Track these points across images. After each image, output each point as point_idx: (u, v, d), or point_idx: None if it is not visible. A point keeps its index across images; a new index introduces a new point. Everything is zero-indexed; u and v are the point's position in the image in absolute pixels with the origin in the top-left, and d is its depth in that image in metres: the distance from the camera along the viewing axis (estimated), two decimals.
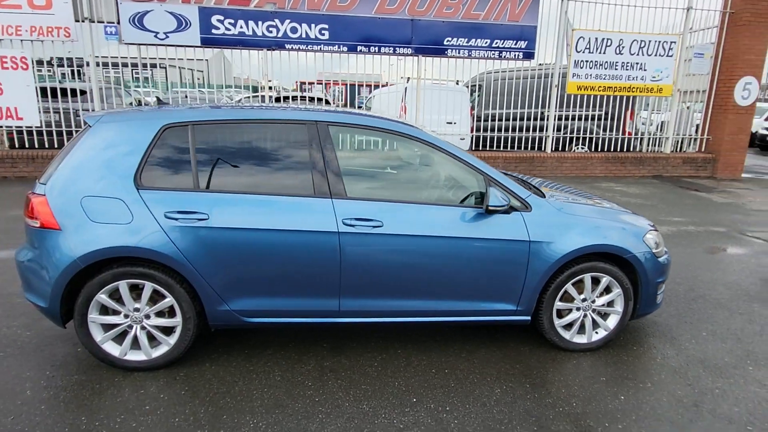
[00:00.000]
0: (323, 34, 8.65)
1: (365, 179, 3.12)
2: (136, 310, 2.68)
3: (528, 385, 2.74)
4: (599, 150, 10.34)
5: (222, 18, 8.29)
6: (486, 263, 2.86)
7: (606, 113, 10.39)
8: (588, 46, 9.45)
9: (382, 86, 11.24)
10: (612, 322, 3.11)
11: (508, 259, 2.87)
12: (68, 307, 2.68)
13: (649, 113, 11.29)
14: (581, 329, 3.10)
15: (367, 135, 3.13)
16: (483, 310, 2.95)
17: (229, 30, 8.40)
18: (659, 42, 9.62)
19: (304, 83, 9.50)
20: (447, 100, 9.59)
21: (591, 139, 10.59)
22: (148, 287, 2.64)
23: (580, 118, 10.37)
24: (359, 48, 8.81)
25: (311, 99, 10.59)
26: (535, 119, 10.06)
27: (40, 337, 3.11)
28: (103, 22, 8.11)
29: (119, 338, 2.73)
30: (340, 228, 2.69)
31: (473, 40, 9.05)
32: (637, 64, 9.69)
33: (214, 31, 8.34)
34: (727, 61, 9.90)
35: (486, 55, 9.20)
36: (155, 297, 2.69)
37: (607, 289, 3.08)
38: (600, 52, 9.52)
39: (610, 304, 3.09)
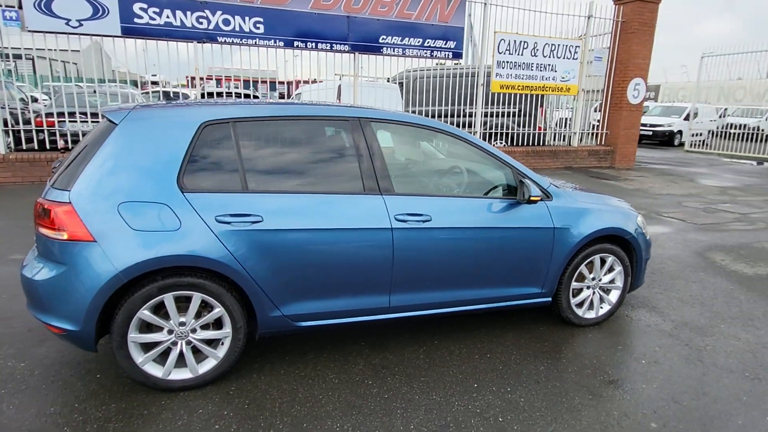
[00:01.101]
0: (258, 28, 8.32)
1: (404, 175, 3.14)
2: (182, 324, 2.47)
3: (564, 360, 2.99)
4: (515, 144, 11.17)
5: (146, 6, 7.61)
6: (520, 250, 3.05)
7: (521, 110, 11.26)
8: (508, 48, 10.17)
9: (304, 83, 11.06)
10: (614, 297, 3.49)
11: (538, 246, 3.09)
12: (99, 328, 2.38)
13: (551, 110, 12.43)
14: (590, 306, 3.43)
15: (406, 131, 3.16)
16: (515, 295, 3.15)
17: (154, 19, 7.73)
18: (566, 46, 10.65)
19: (194, 78, 8.89)
20: (381, 98, 9.74)
21: (509, 134, 11.41)
22: (197, 298, 2.44)
23: (500, 115, 11.11)
24: (296, 44, 8.61)
25: (238, 95, 10.12)
26: (458, 116, 10.59)
27: (41, 366, 2.71)
28: (0, 6, 7.02)
29: (161, 357, 2.49)
30: (393, 224, 2.71)
31: (407, 39, 9.29)
32: (549, 65, 10.64)
33: (136, 20, 7.62)
34: (620, 64, 11.25)
35: (419, 54, 9.50)
36: (202, 308, 2.50)
37: (610, 268, 3.44)
38: (518, 54, 10.29)
39: (612, 280, 3.46)
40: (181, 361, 2.51)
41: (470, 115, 10.49)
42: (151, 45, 7.93)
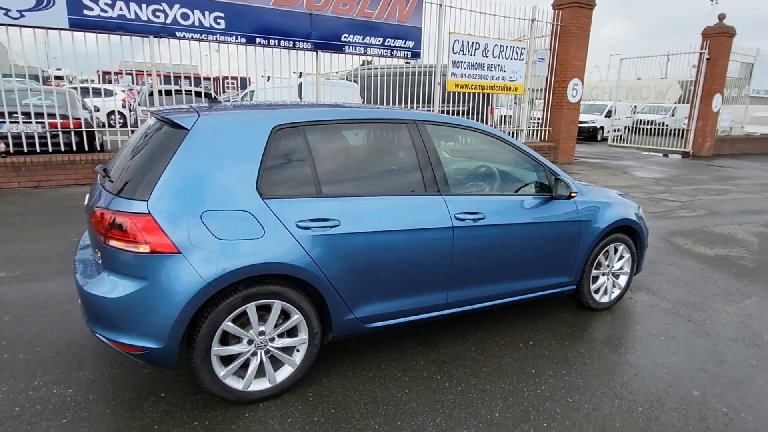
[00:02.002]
0: (219, 23, 8.00)
1: (453, 175, 3.24)
2: (261, 333, 2.42)
3: (597, 341, 3.26)
4: None
5: None
6: (555, 243, 3.28)
7: (472, 109, 11.71)
8: (462, 48, 10.53)
9: (233, 80, 10.74)
10: (623, 281, 3.83)
11: (569, 238, 3.33)
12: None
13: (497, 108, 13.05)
14: (605, 291, 3.74)
15: (457, 133, 3.24)
16: (549, 285, 3.38)
17: (106, 12, 7.19)
18: (514, 47, 11.22)
19: (109, 73, 8.29)
20: (341, 96, 9.73)
21: None
22: (277, 306, 2.40)
23: (454, 114, 11.49)
24: (258, 40, 8.38)
25: (198, 94, 9.66)
26: None
27: (94, 391, 2.53)
28: None
29: (239, 369, 2.42)
30: (454, 223, 2.81)
31: (368, 37, 9.34)
32: (498, 65, 11.16)
33: (86, 12, 7.05)
34: (560, 65, 12.03)
35: (380, 53, 9.59)
36: (281, 316, 2.46)
37: (620, 255, 3.77)
38: (471, 54, 10.69)
39: (621, 267, 3.80)
40: (257, 372, 2.46)
41: None
42: (53, 36, 7.11)
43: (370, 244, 2.58)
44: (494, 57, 11.02)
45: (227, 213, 2.27)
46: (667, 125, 19.40)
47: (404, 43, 9.79)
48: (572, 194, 3.15)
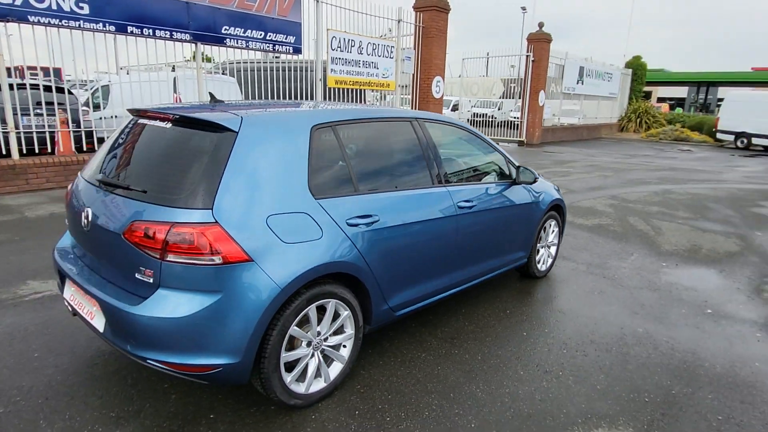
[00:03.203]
0: (81, 8, 6.97)
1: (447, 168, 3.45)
2: (317, 334, 2.42)
3: (558, 300, 3.88)
4: None
5: None
6: (521, 221, 3.80)
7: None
8: (339, 45, 10.76)
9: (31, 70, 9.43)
10: (553, 251, 4.55)
11: (528, 217, 3.89)
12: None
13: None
14: (544, 261, 4.41)
15: (443, 130, 3.45)
16: (514, 259, 3.89)
17: None
18: (385, 46, 11.82)
19: None
20: (220, 91, 9.20)
21: None
22: (332, 305, 2.43)
23: None
24: (130, 29, 7.51)
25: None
26: None
27: (141, 427, 2.25)
28: None
29: (299, 371, 2.40)
30: (457, 211, 3.11)
31: (249, 30, 9.00)
32: (372, 63, 11.65)
33: None
34: (424, 64, 13.02)
35: (262, 47, 9.31)
36: (333, 314, 2.49)
37: (552, 229, 4.47)
38: (348, 51, 10.99)
39: (553, 240, 4.51)
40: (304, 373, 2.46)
41: None
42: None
43: (400, 235, 2.74)
44: (368, 54, 11.47)
45: (289, 216, 2.24)
46: (495, 117, 22.21)
47: (285, 38, 9.66)
48: (536, 180, 3.69)
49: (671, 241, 5.74)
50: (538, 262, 4.31)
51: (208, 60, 11.21)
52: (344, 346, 2.59)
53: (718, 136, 20.16)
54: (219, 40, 8.64)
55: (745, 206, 7.85)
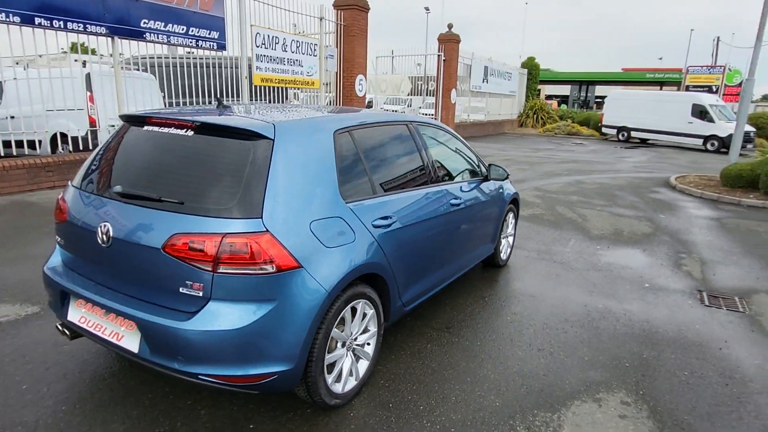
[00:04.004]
0: None
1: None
2: (350, 334, 2.50)
3: (520, 285, 4.25)
4: None
5: None
6: (492, 215, 4.10)
7: (267, 102, 11.80)
8: (264, 42, 10.51)
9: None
10: (511, 240, 4.95)
11: (497, 211, 4.20)
12: None
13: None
14: (505, 250, 4.78)
15: (430, 132, 3.57)
16: (486, 250, 4.19)
17: None
18: (308, 43, 11.73)
19: None
20: (138, 89, 8.59)
21: None
22: (362, 305, 2.52)
23: None
24: (38, 20, 6.75)
25: None
26: None
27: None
28: None
29: (337, 372, 2.45)
30: (451, 208, 3.32)
31: (171, 25, 8.49)
32: (297, 60, 11.52)
33: None
34: (347, 62, 13.11)
35: (185, 43, 8.82)
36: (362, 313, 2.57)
37: (510, 221, 4.86)
38: (272, 48, 10.76)
39: (512, 230, 4.89)
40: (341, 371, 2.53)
41: None
42: None
43: (411, 234, 2.88)
44: (292, 52, 11.32)
45: (328, 221, 2.28)
46: (404, 112, 22.96)
47: (209, 34, 9.23)
48: (507, 176, 4.01)
49: (597, 226, 6.47)
50: (501, 252, 4.67)
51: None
52: (368, 344, 2.69)
53: (603, 130, 22.56)
54: (138, 35, 8.05)
55: (644, 193, 9.00)
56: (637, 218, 6.99)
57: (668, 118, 20.00)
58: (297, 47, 11.39)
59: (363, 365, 2.65)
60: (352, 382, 2.55)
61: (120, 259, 2.16)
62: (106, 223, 2.17)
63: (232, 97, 10.26)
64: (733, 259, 5.28)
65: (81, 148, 7.91)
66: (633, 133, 21.32)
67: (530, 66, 28.09)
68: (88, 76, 8.17)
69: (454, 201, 3.37)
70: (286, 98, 12.17)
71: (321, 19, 12.17)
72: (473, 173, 3.97)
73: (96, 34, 7.49)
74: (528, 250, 5.31)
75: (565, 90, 53.99)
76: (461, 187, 3.60)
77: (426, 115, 19.93)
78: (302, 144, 2.31)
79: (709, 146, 18.90)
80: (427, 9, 37.42)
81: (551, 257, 5.12)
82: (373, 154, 2.80)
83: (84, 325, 2.27)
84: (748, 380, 2.94)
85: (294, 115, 2.56)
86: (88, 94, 8.17)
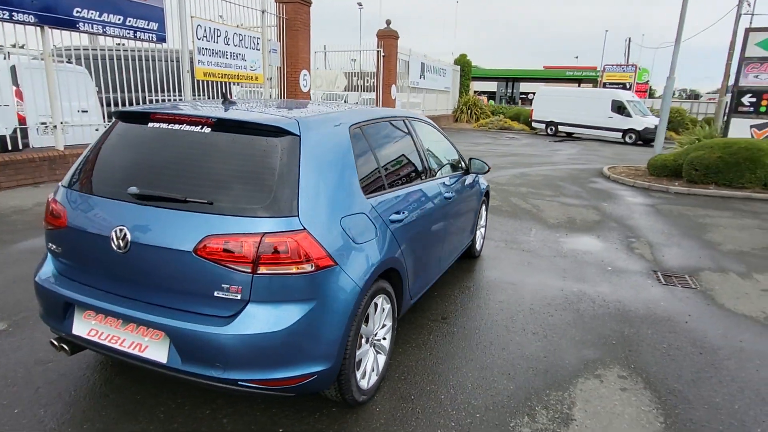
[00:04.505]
0: None
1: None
2: (372, 329, 2.50)
3: (498, 273, 4.43)
4: None
5: None
6: (474, 207, 4.23)
7: (208, 98, 11.33)
8: (205, 35, 10.06)
9: None
10: (483, 231, 5.13)
11: (475, 201, 4.35)
12: None
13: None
14: (479, 242, 4.95)
15: (420, 126, 3.58)
16: (467, 242, 4.32)
17: None
18: (251, 37, 11.38)
19: None
20: (69, 84, 7.92)
21: None
22: (381, 300, 2.53)
23: None
24: None
25: None
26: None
27: None
28: None
29: (364, 368, 2.45)
30: (443, 201, 3.40)
31: (106, 14, 7.91)
32: (240, 54, 11.13)
33: None
34: (290, 57, 12.84)
35: (122, 34, 8.25)
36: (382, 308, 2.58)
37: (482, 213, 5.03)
38: (215, 42, 10.33)
39: (484, 222, 5.07)
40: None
41: None
42: None
43: (418, 227, 2.93)
44: (235, 45, 10.93)
45: (355, 217, 2.27)
46: None
47: (147, 25, 8.70)
48: (489, 169, 4.15)
49: (552, 215, 6.85)
50: (477, 243, 4.83)
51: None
52: (385, 339, 2.70)
53: (533, 124, 23.78)
54: (70, 24, 7.43)
55: (584, 183, 9.63)
56: (585, 207, 7.48)
57: (591, 114, 21.43)
58: (240, 41, 11.01)
59: (381, 360, 2.66)
60: (374, 378, 2.55)
61: (141, 265, 2.03)
62: (122, 228, 2.02)
63: (174, 92, 9.73)
64: (675, 241, 5.81)
65: (10, 148, 7.19)
66: (560, 128, 22.62)
67: (463, 63, 28.95)
68: (13, 68, 7.43)
69: (447, 194, 3.45)
70: (229, 94, 11.70)
71: (263, 12, 11.84)
72: (457, 166, 4.08)
73: (23, 22, 6.82)
74: (495, 240, 5.53)
75: (492, 86, 56.12)
76: (451, 180, 3.69)
77: None
78: (325, 139, 2.28)
79: (627, 139, 20.48)
80: (360, 4, 37.41)
81: (519, 246, 5.37)
82: (381, 149, 2.80)
83: (95, 338, 2.11)
84: (716, 348, 3.27)
85: (309, 110, 2.51)
86: (14, 88, 7.44)
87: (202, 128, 2.17)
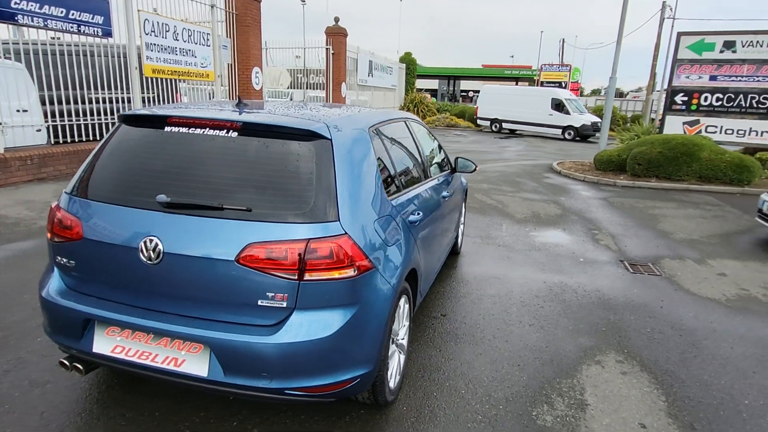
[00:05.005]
0: None
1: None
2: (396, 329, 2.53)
3: (484, 268, 4.57)
4: None
5: None
6: (458, 204, 4.34)
7: (156, 95, 10.83)
8: (153, 29, 9.57)
9: None
10: (462, 228, 5.26)
11: (460, 199, 4.45)
12: None
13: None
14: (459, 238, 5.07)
15: (415, 127, 3.59)
16: (454, 239, 4.42)
17: None
18: (201, 32, 10.95)
19: None
20: (8, 82, 7.31)
21: None
22: (403, 299, 2.56)
23: (146, 101, 10.34)
24: None
25: None
26: (109, 103, 9.27)
27: None
28: None
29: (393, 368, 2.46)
30: (442, 200, 3.47)
31: (47, 7, 7.34)
32: (189, 50, 10.69)
33: None
34: (241, 53, 12.47)
35: (65, 28, 7.69)
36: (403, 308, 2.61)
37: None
38: (163, 37, 9.85)
39: (463, 219, 5.20)
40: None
41: (128, 102, 9.35)
42: None
43: (428, 226, 2.98)
44: (184, 41, 10.49)
45: (384, 219, 2.29)
46: None
47: (92, 18, 8.17)
48: (476, 168, 4.26)
49: (517, 210, 7.12)
50: (458, 240, 4.96)
51: None
52: (404, 338, 2.73)
53: (479, 122, 24.48)
54: (8, 17, 6.84)
55: (539, 178, 10.07)
56: (545, 201, 7.84)
57: (533, 111, 22.37)
58: (189, 36, 10.57)
59: (402, 359, 2.69)
60: (397, 377, 2.58)
61: (174, 277, 1.94)
62: (152, 238, 1.92)
63: (122, 90, 9.19)
64: (633, 232, 6.22)
65: None
66: (504, 125, 23.44)
67: (408, 61, 29.27)
68: None
69: (444, 193, 3.53)
70: (177, 91, 11.21)
71: (212, 7, 11.42)
72: (444, 165, 4.17)
73: None
74: (471, 236, 5.69)
75: (433, 84, 57.13)
76: (444, 179, 3.77)
77: None
78: (351, 142, 2.27)
79: (566, 135, 21.56)
80: (303, 1, 36.87)
81: (494, 242, 5.56)
82: (393, 151, 2.82)
83: (120, 356, 1.99)
84: (693, 330, 3.57)
85: (327, 113, 2.48)
86: None
87: (227, 132, 2.11)
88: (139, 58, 9.29)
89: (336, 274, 1.94)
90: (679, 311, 3.89)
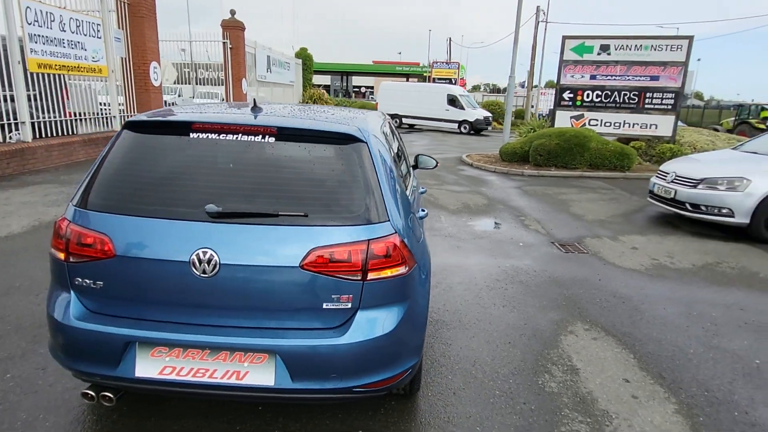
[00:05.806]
0: None
1: None
2: None
3: (452, 265, 4.86)
4: (41, 136, 9.28)
5: None
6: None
7: (40, 93, 9.65)
8: (37, 19, 8.50)
9: None
10: None
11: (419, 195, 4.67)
12: None
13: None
14: None
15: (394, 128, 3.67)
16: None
17: None
18: (90, 23, 9.92)
19: None
20: None
21: (32, 123, 9.53)
22: None
23: (30, 99, 9.13)
24: None
25: None
26: None
27: None
28: None
29: None
30: (420, 196, 3.65)
31: None
32: (79, 43, 9.64)
33: None
34: (137, 47, 11.48)
35: None
36: None
37: None
38: (48, 27, 8.78)
39: None
40: None
41: (11, 100, 8.19)
42: None
43: (419, 222, 3.13)
44: (72, 32, 9.45)
45: (412, 216, 2.41)
46: (175, 104, 21.34)
47: None
48: (437, 164, 4.49)
49: (449, 202, 7.55)
50: None
51: None
52: None
53: None
54: None
55: (455, 171, 10.69)
56: (470, 192, 8.39)
57: (430, 106, 23.48)
58: (77, 27, 9.55)
59: None
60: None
61: (232, 288, 1.88)
62: (206, 250, 1.85)
63: (2, 87, 8.02)
64: (552, 216, 6.94)
65: None
66: (404, 120, 24.28)
67: (304, 56, 28.95)
68: None
69: (421, 189, 3.71)
70: (65, 89, 10.01)
71: None
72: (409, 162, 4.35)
73: None
74: (430, 230, 5.94)
75: (326, 80, 57.02)
76: (414, 176, 3.95)
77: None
78: (378, 144, 2.35)
79: (462, 129, 22.95)
80: None
81: (439, 233, 5.88)
82: (393, 151, 2.93)
83: (171, 377, 1.89)
84: (630, 297, 4.16)
85: (346, 116, 2.52)
86: None
87: (263, 138, 2.07)
88: (22, 51, 8.19)
89: (390, 272, 2.02)
90: (614, 282, 4.49)
